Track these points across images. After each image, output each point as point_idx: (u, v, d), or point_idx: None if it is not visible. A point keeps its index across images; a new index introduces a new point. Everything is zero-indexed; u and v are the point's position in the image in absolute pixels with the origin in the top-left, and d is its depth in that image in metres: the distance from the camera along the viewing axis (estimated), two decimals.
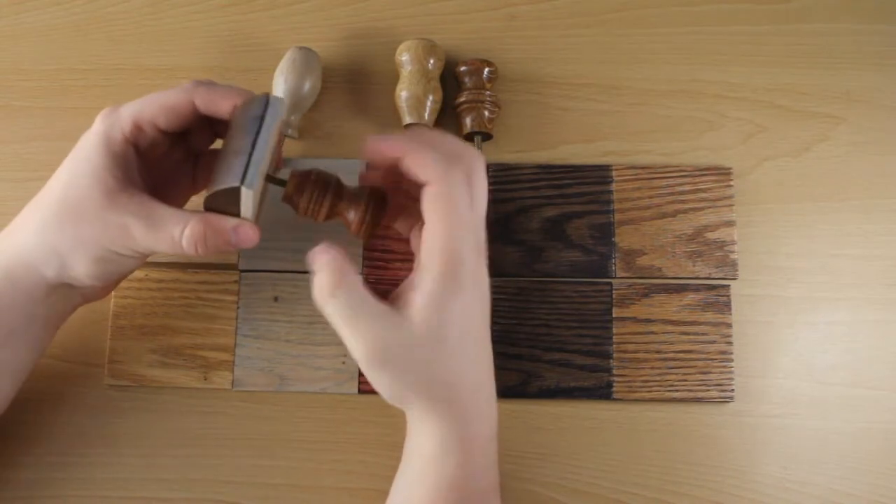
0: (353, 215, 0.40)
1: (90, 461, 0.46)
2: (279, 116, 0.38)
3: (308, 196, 0.39)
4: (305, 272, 0.47)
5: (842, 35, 0.52)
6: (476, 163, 0.38)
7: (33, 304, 0.40)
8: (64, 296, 0.41)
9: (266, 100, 0.38)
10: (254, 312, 0.48)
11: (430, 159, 0.36)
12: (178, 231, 0.37)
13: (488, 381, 0.39)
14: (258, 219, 0.40)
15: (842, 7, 0.52)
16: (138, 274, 0.48)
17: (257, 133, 0.37)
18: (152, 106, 0.39)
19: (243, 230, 0.38)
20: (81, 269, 0.39)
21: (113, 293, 0.48)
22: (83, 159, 0.38)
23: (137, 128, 0.39)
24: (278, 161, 0.44)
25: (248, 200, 0.37)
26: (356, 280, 0.36)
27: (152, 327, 0.47)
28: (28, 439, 0.47)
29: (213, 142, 0.44)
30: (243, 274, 0.48)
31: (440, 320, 0.35)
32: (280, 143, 0.43)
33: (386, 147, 0.37)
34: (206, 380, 0.47)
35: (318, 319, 0.45)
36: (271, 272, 0.48)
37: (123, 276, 0.44)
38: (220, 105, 0.39)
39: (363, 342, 0.35)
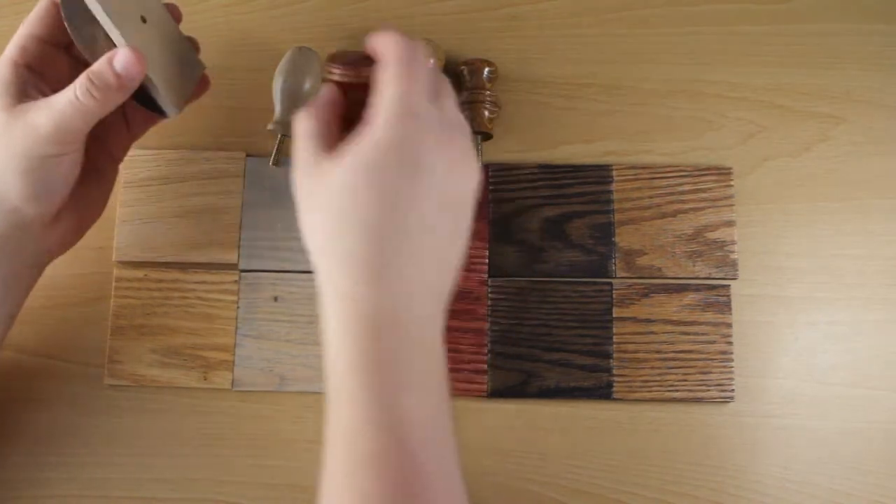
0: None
1: (90, 461, 0.46)
2: None
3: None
4: (305, 272, 0.47)
5: (842, 35, 0.52)
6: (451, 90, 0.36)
7: None
8: (20, 244, 0.40)
9: None
10: (254, 312, 0.48)
11: (398, 40, 0.34)
12: (71, 92, 0.37)
13: (420, 270, 0.33)
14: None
15: (842, 7, 0.52)
16: (138, 274, 0.48)
17: None
18: (24, 24, 0.40)
19: (119, 57, 0.37)
20: (14, 191, 0.38)
21: (113, 293, 0.48)
22: None
23: (21, 48, 0.39)
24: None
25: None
26: (311, 132, 0.35)
27: (152, 327, 0.47)
28: (28, 439, 0.47)
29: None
30: (243, 274, 0.48)
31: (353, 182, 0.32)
32: None
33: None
34: (205, 380, 0.47)
35: (318, 319, 0.45)
36: (271, 272, 0.48)
37: (64, 193, 0.41)
38: None
39: (293, 181, 0.35)
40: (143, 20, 0.40)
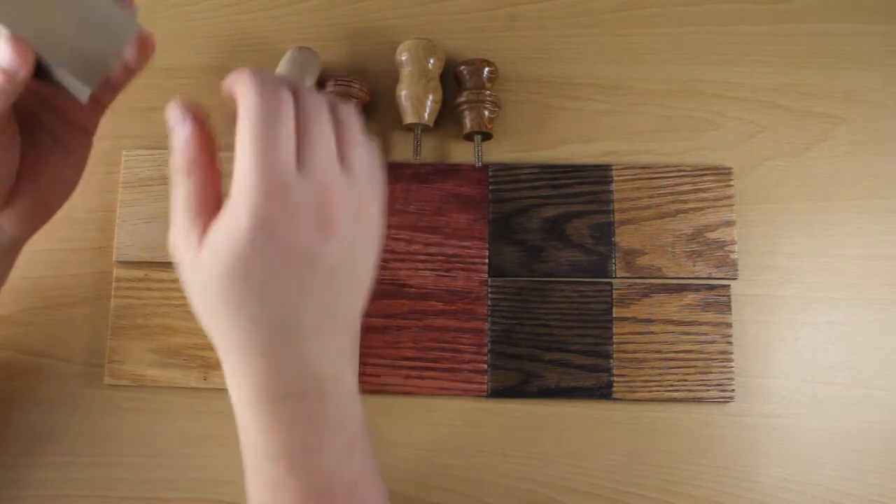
0: None
1: (90, 461, 0.46)
2: None
3: None
4: None
5: (842, 35, 0.52)
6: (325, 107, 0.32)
7: None
8: None
9: None
10: None
11: (254, 83, 0.30)
12: None
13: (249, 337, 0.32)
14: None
15: (842, 7, 0.52)
16: (138, 274, 0.48)
17: None
18: None
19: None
20: None
21: (113, 293, 0.48)
22: None
23: None
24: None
25: None
26: (204, 166, 0.32)
27: (152, 327, 0.47)
28: (28, 439, 0.47)
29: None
30: None
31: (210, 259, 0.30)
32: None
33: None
34: (206, 380, 0.47)
35: None
36: None
37: (6, 181, 0.37)
38: None
39: (171, 234, 0.32)
40: None
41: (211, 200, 0.31)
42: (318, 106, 0.31)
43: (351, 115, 0.33)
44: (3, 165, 0.37)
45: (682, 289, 0.48)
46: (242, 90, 0.30)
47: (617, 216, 0.49)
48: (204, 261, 0.30)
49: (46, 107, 0.38)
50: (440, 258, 0.48)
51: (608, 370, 0.47)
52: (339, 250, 0.31)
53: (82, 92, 0.35)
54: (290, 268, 0.30)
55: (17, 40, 0.33)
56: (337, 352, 0.33)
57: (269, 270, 0.29)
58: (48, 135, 0.38)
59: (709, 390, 0.47)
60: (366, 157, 0.33)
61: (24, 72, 0.33)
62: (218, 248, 0.29)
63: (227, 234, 0.29)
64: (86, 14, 0.34)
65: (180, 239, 0.31)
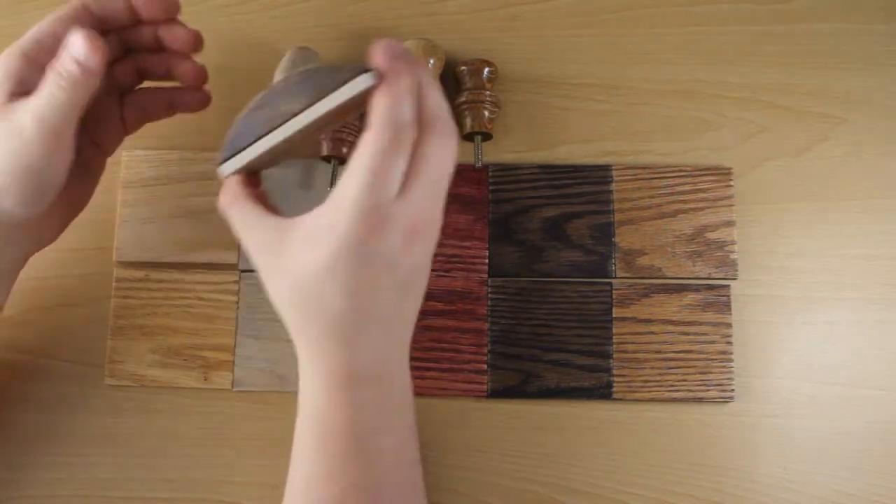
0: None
1: (90, 461, 0.46)
2: (350, 96, 0.33)
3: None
4: None
5: (842, 35, 0.52)
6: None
7: None
8: (7, 238, 0.40)
9: (359, 74, 0.33)
10: (254, 312, 0.48)
11: (396, 100, 0.32)
12: (45, 86, 0.36)
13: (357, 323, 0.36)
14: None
15: (842, 7, 0.52)
16: (138, 274, 0.48)
17: (291, 116, 0.35)
18: (48, 19, 0.38)
19: (74, 44, 0.35)
20: (7, 195, 0.37)
21: (113, 293, 0.48)
22: None
23: (38, 44, 0.37)
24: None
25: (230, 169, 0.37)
26: (248, 195, 0.37)
27: (152, 327, 0.47)
28: (28, 439, 0.47)
29: (137, 79, 0.43)
30: (243, 274, 0.48)
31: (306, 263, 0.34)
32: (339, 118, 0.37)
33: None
34: (206, 380, 0.47)
35: None
36: None
37: (54, 195, 0.39)
38: (112, 2, 0.39)
39: (248, 248, 0.36)
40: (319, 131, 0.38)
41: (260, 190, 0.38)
42: (442, 145, 0.34)
43: (456, 149, 0.35)
44: (57, 181, 0.39)
45: (682, 289, 0.48)
46: (379, 111, 0.32)
47: (617, 216, 0.49)
48: (290, 255, 0.34)
49: (83, 129, 0.40)
50: (440, 258, 0.48)
51: (608, 370, 0.47)
52: (416, 261, 0.34)
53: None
54: (374, 271, 0.33)
55: (93, 35, 0.35)
56: (401, 346, 0.37)
57: (356, 272, 0.33)
58: (79, 156, 0.40)
59: (709, 390, 0.47)
60: (446, 188, 0.36)
61: (99, 67, 0.36)
62: (306, 250, 0.33)
63: (321, 237, 0.33)
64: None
65: (263, 239, 0.35)
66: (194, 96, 0.44)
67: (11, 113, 0.36)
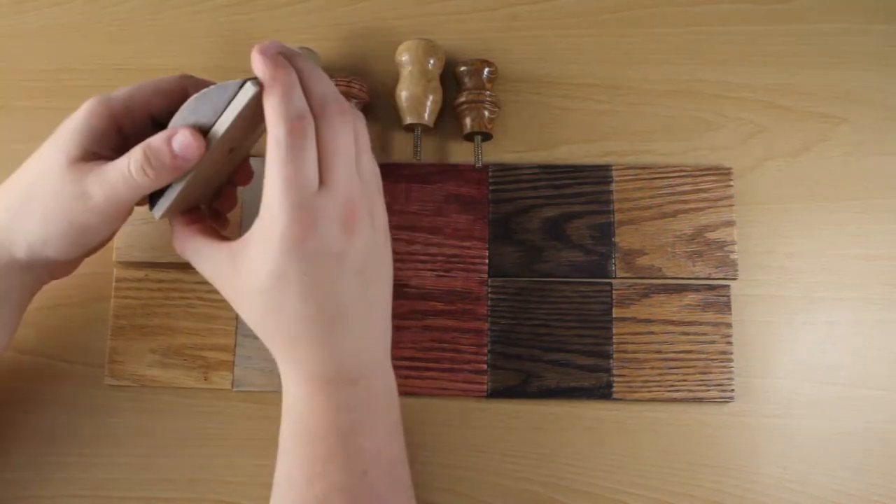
0: None
1: (90, 461, 0.46)
2: (243, 104, 0.35)
3: None
4: None
5: (842, 35, 0.52)
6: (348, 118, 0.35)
7: (6, 286, 0.39)
8: (35, 275, 0.40)
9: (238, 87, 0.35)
10: None
11: (281, 99, 0.34)
12: (124, 165, 0.36)
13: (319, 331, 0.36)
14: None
15: (842, 7, 0.52)
16: (138, 274, 0.48)
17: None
18: (146, 90, 0.38)
19: (179, 137, 0.35)
20: (52, 247, 0.38)
21: (113, 293, 0.48)
22: (53, 137, 0.38)
23: (127, 108, 0.38)
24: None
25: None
26: (195, 231, 0.38)
27: (152, 327, 0.47)
28: (28, 439, 0.47)
29: None
30: None
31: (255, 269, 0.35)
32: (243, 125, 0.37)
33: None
34: (206, 380, 0.47)
35: None
36: None
37: (95, 249, 0.41)
38: None
39: (210, 278, 0.38)
40: (231, 150, 0.39)
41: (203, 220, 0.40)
42: (341, 124, 0.34)
43: (362, 124, 0.37)
44: (103, 242, 0.41)
45: (681, 289, 0.48)
46: (269, 112, 0.33)
47: (617, 216, 0.49)
48: (243, 274, 0.35)
49: None
50: (440, 258, 0.48)
51: (608, 370, 0.47)
52: (362, 245, 0.35)
53: (157, 214, 0.38)
54: (322, 268, 0.34)
55: (198, 135, 0.36)
56: (376, 340, 0.38)
57: (304, 273, 0.33)
58: None
59: (709, 390, 0.47)
60: (371, 161, 0.37)
61: (190, 165, 0.36)
62: (254, 265, 0.34)
63: (263, 249, 0.33)
64: (218, 180, 0.42)
65: (213, 261, 0.37)
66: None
67: (82, 176, 0.36)
